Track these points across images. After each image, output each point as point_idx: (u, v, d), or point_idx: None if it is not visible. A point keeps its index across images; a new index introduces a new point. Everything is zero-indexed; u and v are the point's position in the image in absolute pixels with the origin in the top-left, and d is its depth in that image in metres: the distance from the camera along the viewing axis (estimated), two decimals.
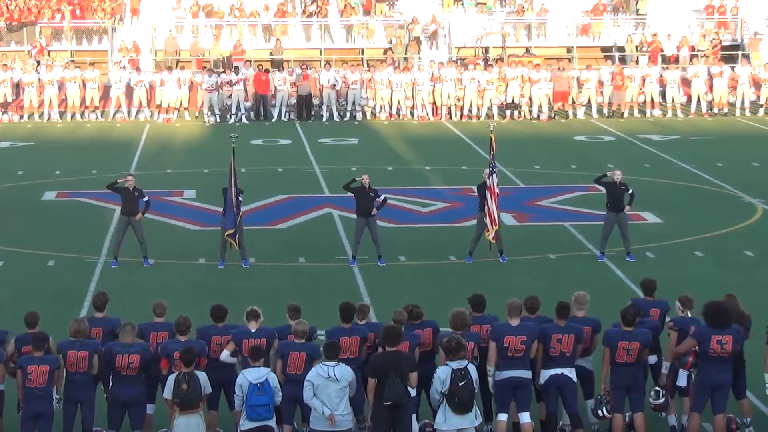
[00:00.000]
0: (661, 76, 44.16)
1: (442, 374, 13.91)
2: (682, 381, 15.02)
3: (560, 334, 14.72)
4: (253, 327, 14.83)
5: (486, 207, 23.55)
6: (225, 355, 14.73)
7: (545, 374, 14.79)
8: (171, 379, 14.03)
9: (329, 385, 13.83)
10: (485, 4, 51.71)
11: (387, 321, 14.86)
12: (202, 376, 14.06)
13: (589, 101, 43.37)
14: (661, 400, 15.00)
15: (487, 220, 23.58)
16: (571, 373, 14.82)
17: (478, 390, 14.18)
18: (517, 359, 14.63)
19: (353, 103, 43.09)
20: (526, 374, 14.73)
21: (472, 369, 13.99)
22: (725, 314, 14.57)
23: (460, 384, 13.78)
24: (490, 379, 14.71)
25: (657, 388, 15.08)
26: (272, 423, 13.98)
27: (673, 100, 43.62)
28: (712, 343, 14.48)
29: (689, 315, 15.22)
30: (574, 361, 14.89)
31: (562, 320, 14.83)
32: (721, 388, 14.67)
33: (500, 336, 14.64)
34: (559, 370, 14.75)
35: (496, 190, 23.69)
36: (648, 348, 14.93)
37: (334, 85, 42.94)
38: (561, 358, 14.74)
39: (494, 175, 23.66)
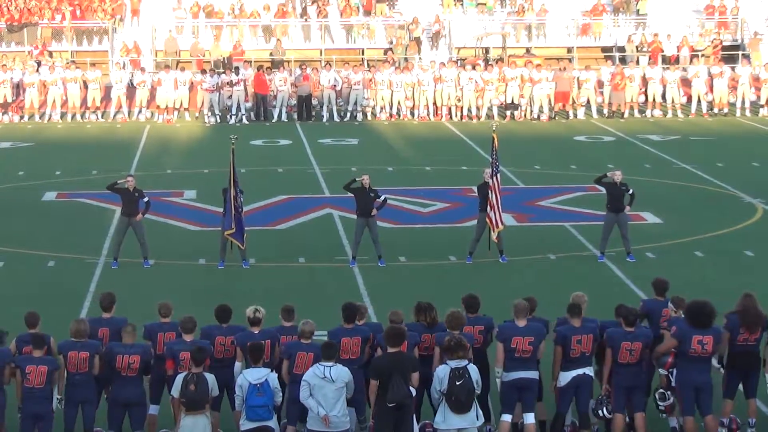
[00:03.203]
0: (662, 76, 44.22)
1: (441, 373, 13.91)
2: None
3: (579, 335, 14.71)
4: (256, 331, 14.86)
5: (490, 207, 23.52)
6: (238, 367, 14.69)
7: (567, 376, 14.75)
8: (180, 378, 14.02)
9: (325, 386, 13.82)
10: (485, 4, 51.72)
11: (387, 321, 14.84)
12: (210, 378, 14.05)
13: (588, 101, 43.37)
14: (670, 401, 14.98)
15: (494, 218, 23.51)
16: (591, 371, 14.86)
17: (479, 390, 14.17)
18: (525, 360, 14.63)
19: (354, 103, 43.10)
20: (534, 375, 14.73)
21: (473, 369, 13.97)
22: (707, 314, 14.53)
23: (458, 383, 13.77)
24: (498, 380, 14.70)
25: (661, 390, 15.05)
26: (271, 423, 13.97)
27: (673, 101, 43.63)
28: (692, 342, 14.45)
29: (682, 315, 15.21)
30: (592, 359, 14.91)
31: (576, 320, 14.81)
32: (702, 389, 14.62)
33: (508, 337, 14.62)
34: (581, 371, 14.75)
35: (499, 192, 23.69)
36: (649, 348, 14.92)
37: (335, 86, 42.96)
38: (582, 358, 14.74)
39: (498, 175, 23.67)
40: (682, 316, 15.17)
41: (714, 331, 14.56)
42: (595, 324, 14.97)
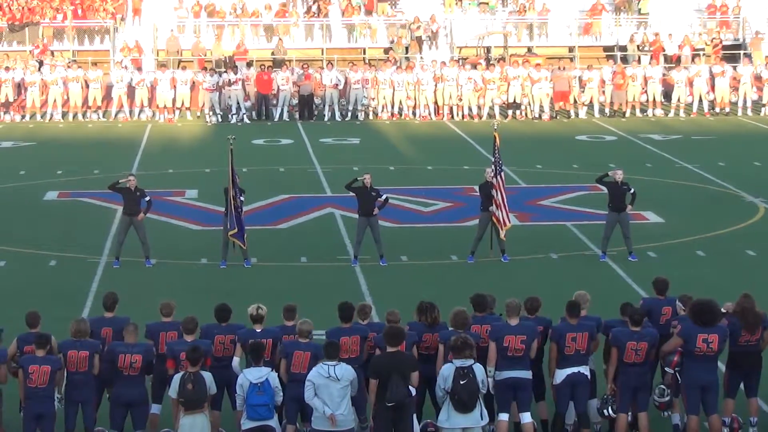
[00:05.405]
0: (664, 75, 44.19)
1: (446, 372, 13.92)
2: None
3: (574, 333, 14.73)
4: (258, 329, 14.87)
5: (497, 206, 23.50)
6: (236, 362, 14.72)
7: (561, 374, 14.78)
8: (176, 378, 14.04)
9: (330, 385, 13.83)
10: (487, 3, 51.69)
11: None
12: (207, 376, 14.05)
13: (591, 101, 43.37)
14: (666, 399, 15.00)
15: (501, 217, 23.50)
16: (586, 370, 14.85)
17: (485, 390, 14.16)
18: (517, 359, 14.63)
19: (354, 102, 43.11)
20: (526, 374, 14.72)
21: (478, 369, 13.96)
22: (711, 312, 14.55)
23: (462, 382, 13.77)
24: (490, 379, 14.70)
25: (662, 386, 15.06)
26: (272, 423, 13.98)
27: (678, 100, 43.61)
28: (697, 341, 14.45)
29: None
30: (588, 358, 14.90)
31: (573, 318, 14.83)
32: (709, 388, 14.64)
33: (500, 336, 14.64)
34: (575, 369, 14.76)
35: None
36: (656, 348, 14.91)
37: (336, 85, 42.97)
38: (576, 356, 14.74)
39: (502, 174, 23.67)
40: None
41: (719, 330, 14.56)
42: (593, 322, 14.98)
